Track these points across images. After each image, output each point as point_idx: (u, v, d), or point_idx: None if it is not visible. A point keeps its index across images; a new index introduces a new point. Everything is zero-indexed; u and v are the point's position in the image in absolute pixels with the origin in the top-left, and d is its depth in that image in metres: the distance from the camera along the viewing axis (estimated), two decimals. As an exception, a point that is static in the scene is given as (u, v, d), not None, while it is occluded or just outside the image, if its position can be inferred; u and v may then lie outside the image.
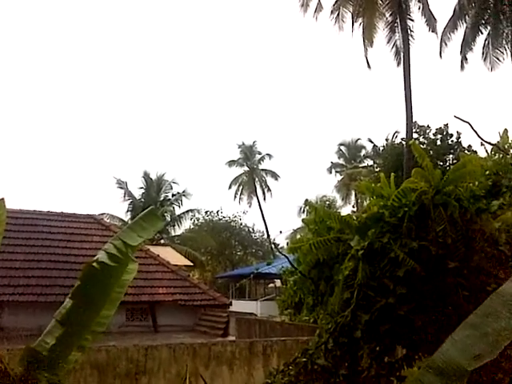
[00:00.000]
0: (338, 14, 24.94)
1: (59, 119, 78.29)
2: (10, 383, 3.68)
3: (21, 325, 12.58)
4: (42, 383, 3.85)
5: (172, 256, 22.84)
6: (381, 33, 24.70)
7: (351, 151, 50.71)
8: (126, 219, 34.98)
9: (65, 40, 79.18)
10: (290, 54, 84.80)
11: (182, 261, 25.60)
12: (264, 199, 53.45)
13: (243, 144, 54.04)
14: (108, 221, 24.50)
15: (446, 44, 24.25)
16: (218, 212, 51.33)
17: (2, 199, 4.38)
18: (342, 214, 5.96)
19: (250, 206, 53.59)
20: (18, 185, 54.62)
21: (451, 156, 26.16)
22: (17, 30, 76.74)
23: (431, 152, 24.69)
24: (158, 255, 17.76)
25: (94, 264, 3.81)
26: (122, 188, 36.82)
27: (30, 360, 3.83)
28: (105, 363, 7.15)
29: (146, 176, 38.77)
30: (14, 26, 74.74)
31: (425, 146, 25.50)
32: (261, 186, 53.77)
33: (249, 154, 54.13)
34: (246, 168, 54.11)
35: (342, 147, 51.26)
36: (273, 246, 39.66)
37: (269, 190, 53.77)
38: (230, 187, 53.91)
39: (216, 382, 7.72)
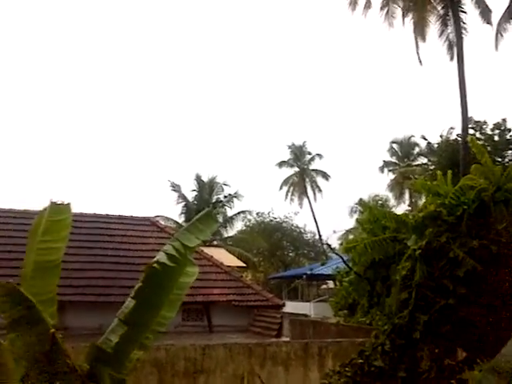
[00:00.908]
0: (388, 11, 24.61)
1: (116, 124, 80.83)
2: (76, 378, 3.81)
3: (82, 324, 13.05)
4: (106, 379, 3.98)
5: (225, 257, 23.11)
6: (432, 27, 24.12)
7: (404, 149, 49.54)
8: (179, 221, 35.69)
9: (116, 44, 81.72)
10: (339, 52, 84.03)
11: (235, 262, 25.83)
12: (315, 200, 53.22)
13: (293, 145, 54.01)
14: (163, 223, 25.04)
15: (501, 35, 23.36)
16: (269, 213, 51.44)
17: (69, 204, 4.61)
18: (398, 213, 5.87)
19: (301, 207, 53.49)
20: (77, 189, 56.81)
21: (510, 152, 25.12)
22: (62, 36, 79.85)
23: (489, 148, 23.76)
24: (212, 256, 18.03)
25: (155, 265, 3.92)
26: (175, 191, 37.63)
27: (95, 356, 3.98)
28: (164, 361, 7.33)
29: (198, 179, 39.43)
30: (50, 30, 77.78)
31: (482, 142, 24.60)
32: (311, 187, 53.54)
33: (299, 155, 54.03)
34: (297, 169, 54.03)
35: (395, 145, 50.17)
36: (326, 246, 39.32)
37: (319, 190, 53.49)
38: (280, 188, 54.02)
39: (272, 382, 7.76)
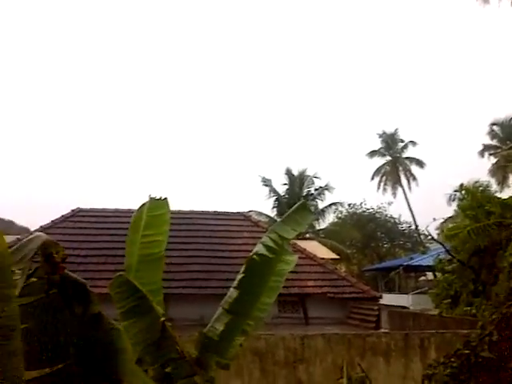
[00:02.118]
0: (483, -12, 23.11)
1: (211, 123, 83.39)
2: (185, 364, 4.00)
3: (185, 315, 13.61)
4: (212, 365, 4.16)
5: (318, 249, 23.04)
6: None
7: (506, 130, 46.32)
8: (272, 215, 36.17)
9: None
10: (431, 34, 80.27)
11: (328, 254, 25.66)
12: (409, 189, 51.48)
13: (384, 133, 52.57)
14: (256, 217, 25.51)
15: None
16: (361, 204, 50.51)
17: (166, 199, 4.77)
18: (503, 198, 5.55)
19: (394, 197, 52.02)
20: (174, 186, 59.43)
21: None
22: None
23: None
24: (305, 249, 18.07)
25: (254, 256, 4.05)
26: (267, 185, 38.14)
27: (203, 344, 4.17)
28: (264, 350, 7.53)
29: (289, 172, 39.65)
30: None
31: None
32: (405, 175, 51.84)
33: (391, 143, 52.51)
34: (389, 157, 52.55)
35: (495, 127, 47.08)
36: (424, 235, 37.88)
37: (414, 178, 51.65)
38: (372, 178, 52.86)
39: (372, 372, 7.67)
